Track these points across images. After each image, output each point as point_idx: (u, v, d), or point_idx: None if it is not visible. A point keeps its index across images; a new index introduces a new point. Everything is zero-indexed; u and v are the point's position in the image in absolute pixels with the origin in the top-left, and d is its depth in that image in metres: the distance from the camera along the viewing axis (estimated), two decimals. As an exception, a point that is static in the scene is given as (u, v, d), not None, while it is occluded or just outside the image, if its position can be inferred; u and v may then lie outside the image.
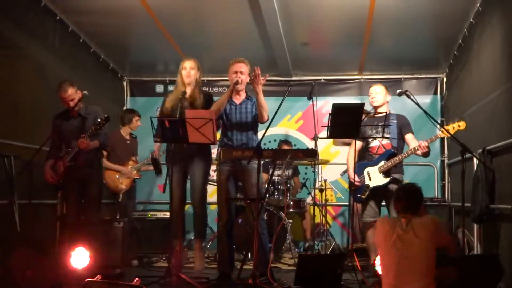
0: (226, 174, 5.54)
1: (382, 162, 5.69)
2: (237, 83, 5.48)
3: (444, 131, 5.41)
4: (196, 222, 5.95)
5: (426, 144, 5.54)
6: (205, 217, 6.08)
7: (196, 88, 5.91)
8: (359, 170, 5.80)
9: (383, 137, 5.63)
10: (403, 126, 5.86)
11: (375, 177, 5.72)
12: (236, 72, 5.56)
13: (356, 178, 5.78)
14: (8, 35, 5.94)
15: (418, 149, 5.57)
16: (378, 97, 5.89)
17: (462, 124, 5.41)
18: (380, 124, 5.64)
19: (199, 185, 5.82)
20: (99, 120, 5.68)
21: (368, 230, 5.78)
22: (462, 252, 5.64)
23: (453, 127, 5.42)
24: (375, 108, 5.93)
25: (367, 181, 5.76)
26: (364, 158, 5.91)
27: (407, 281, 3.90)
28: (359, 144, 5.80)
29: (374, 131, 5.79)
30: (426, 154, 5.65)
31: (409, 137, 5.84)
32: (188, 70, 5.88)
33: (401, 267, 3.95)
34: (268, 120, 5.49)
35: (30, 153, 5.80)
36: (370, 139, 5.85)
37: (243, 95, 5.72)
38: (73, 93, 5.80)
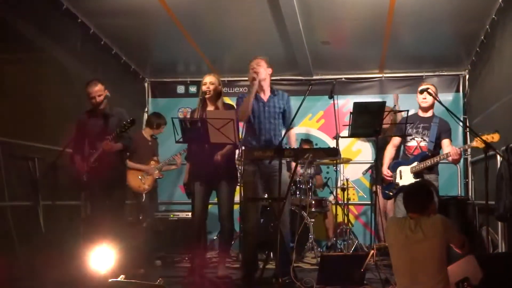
0: (251, 175, 5.48)
1: (415, 163, 5.63)
2: (254, 79, 5.42)
3: (479, 140, 5.06)
4: (222, 239, 5.87)
5: (459, 151, 5.45)
6: (232, 233, 6.01)
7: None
8: (393, 167, 5.80)
9: (408, 135, 5.60)
10: (443, 132, 5.74)
11: (405, 176, 5.67)
12: (252, 69, 5.54)
13: (389, 173, 5.78)
14: (30, 38, 6.01)
15: (449, 156, 5.47)
16: (429, 98, 5.71)
17: (495, 137, 5.15)
18: (422, 124, 5.65)
19: (228, 202, 5.67)
20: (124, 122, 5.65)
21: None
22: (485, 250, 5.55)
23: (486, 138, 5.09)
24: (423, 108, 5.81)
25: (397, 179, 5.73)
26: (398, 155, 5.90)
27: (419, 281, 3.87)
28: (398, 140, 5.87)
29: (415, 130, 5.75)
30: (456, 161, 5.59)
31: (445, 142, 5.72)
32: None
33: (412, 267, 3.92)
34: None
35: (53, 155, 5.85)
36: (409, 138, 5.79)
37: (267, 91, 5.64)
38: (101, 90, 5.86)
